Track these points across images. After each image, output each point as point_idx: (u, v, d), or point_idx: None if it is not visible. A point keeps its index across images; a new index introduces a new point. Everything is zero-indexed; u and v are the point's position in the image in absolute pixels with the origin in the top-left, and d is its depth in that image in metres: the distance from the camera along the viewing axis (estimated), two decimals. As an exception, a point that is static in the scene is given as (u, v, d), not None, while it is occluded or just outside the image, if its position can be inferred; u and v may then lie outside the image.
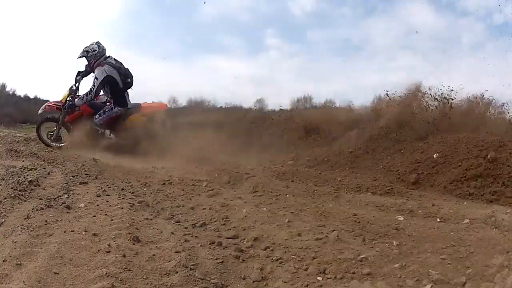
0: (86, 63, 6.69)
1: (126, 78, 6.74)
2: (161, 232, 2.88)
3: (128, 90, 6.89)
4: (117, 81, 6.61)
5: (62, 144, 6.62)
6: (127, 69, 6.84)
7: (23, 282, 2.03)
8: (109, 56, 6.72)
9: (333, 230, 2.90)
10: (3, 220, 2.91)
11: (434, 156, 5.82)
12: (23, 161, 5.05)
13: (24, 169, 4.45)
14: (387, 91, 7.22)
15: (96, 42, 6.67)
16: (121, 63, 6.75)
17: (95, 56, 6.58)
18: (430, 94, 6.76)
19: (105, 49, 6.68)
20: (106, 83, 6.55)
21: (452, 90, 6.55)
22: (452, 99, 6.61)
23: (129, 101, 6.89)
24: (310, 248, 2.58)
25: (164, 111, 7.25)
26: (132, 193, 4.07)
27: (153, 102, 7.38)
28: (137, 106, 6.96)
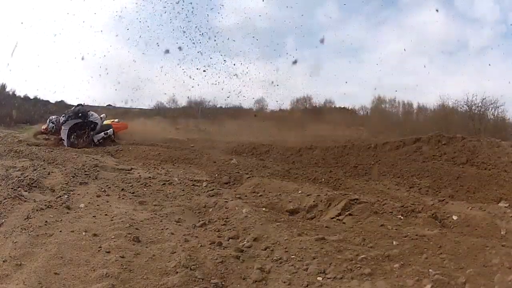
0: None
1: None
2: (161, 232, 2.88)
3: None
4: None
5: None
6: None
7: (23, 282, 2.03)
8: None
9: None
10: (3, 220, 2.91)
11: None
12: (23, 161, 5.05)
13: (24, 169, 4.46)
14: None
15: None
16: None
17: None
18: None
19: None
20: None
21: None
22: None
23: None
24: (310, 248, 2.57)
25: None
26: (132, 193, 4.07)
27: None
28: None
